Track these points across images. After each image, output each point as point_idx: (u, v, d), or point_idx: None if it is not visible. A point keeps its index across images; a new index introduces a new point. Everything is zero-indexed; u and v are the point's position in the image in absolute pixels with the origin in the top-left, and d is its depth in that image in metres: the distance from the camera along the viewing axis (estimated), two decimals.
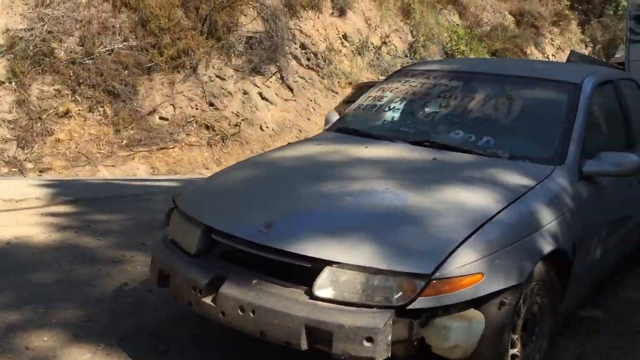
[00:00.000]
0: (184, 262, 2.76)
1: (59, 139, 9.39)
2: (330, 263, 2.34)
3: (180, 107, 10.01)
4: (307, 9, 10.51)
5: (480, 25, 12.39)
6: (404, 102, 3.81)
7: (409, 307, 2.25)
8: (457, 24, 11.86)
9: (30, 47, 9.47)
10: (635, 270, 4.54)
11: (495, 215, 2.54)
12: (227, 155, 9.97)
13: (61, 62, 9.58)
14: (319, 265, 2.36)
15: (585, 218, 3.04)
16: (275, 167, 3.34)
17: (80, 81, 9.59)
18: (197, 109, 10.05)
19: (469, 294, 2.31)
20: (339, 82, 10.29)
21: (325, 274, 2.35)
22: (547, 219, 2.73)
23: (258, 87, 10.25)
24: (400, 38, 11.33)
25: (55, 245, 4.59)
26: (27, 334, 3.31)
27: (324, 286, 2.34)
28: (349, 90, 10.57)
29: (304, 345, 2.30)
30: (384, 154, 3.27)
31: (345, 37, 10.72)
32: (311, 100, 10.36)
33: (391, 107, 3.84)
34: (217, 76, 10.21)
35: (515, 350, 2.62)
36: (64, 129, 9.48)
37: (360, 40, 10.66)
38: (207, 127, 10.06)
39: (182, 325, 3.41)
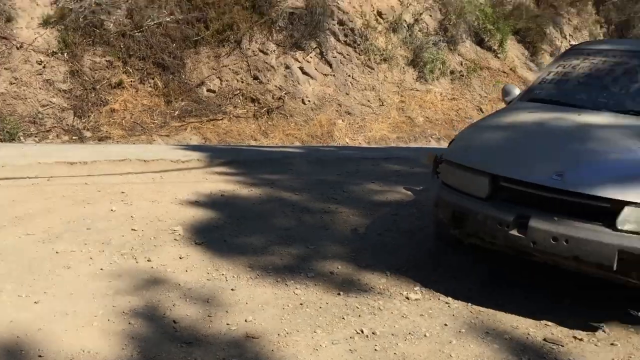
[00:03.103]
0: (479, 205, 3.39)
1: (114, 109, 9.46)
2: (628, 203, 3.01)
3: (227, 80, 10.27)
4: None
5: (503, 5, 13.28)
6: (592, 77, 4.39)
7: None
8: (482, 3, 12.68)
9: (80, 19, 9.43)
10: None
11: None
12: (273, 127, 10.34)
13: (111, 34, 9.60)
14: (618, 205, 3.02)
15: None
16: (523, 129, 3.92)
17: (131, 53, 9.69)
18: (242, 82, 10.34)
19: None
20: (374, 58, 10.88)
21: (626, 211, 3.01)
22: None
23: (299, 61, 10.66)
24: (431, 16, 12.03)
25: (265, 198, 5.07)
26: (319, 263, 3.91)
27: (626, 221, 3.01)
28: (384, 66, 11.20)
29: (614, 267, 2.97)
30: (600, 120, 3.84)
31: (379, 14, 11.29)
32: (349, 76, 10.90)
33: (580, 82, 4.41)
34: (261, 50, 10.52)
35: None
36: (117, 99, 9.55)
37: (394, 17, 11.27)
38: (252, 100, 10.38)
39: (436, 261, 4.07)
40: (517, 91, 4.79)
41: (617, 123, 3.81)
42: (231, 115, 10.19)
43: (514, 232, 3.21)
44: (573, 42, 14.47)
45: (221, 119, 10.07)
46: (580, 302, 3.56)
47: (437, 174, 3.97)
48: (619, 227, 3.02)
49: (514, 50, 13.20)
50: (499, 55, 12.65)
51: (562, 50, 14.37)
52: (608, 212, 3.06)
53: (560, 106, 4.18)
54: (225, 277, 3.61)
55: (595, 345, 3.15)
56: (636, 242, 2.98)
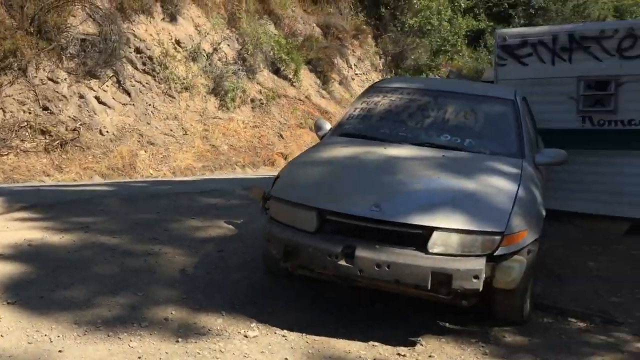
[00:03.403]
0: (309, 238, 3.60)
1: None
2: (436, 229, 3.44)
3: (11, 112, 9.37)
4: (138, 12, 10.70)
5: (295, 36, 13.91)
6: (392, 113, 4.83)
7: (494, 254, 3.42)
8: (276, 34, 13.19)
9: None
10: None
11: (517, 192, 3.70)
12: (68, 161, 9.66)
13: None
14: (428, 231, 3.44)
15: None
16: (339, 163, 4.18)
17: None
18: (30, 113, 9.52)
19: (521, 244, 3.51)
20: (175, 87, 10.78)
21: (435, 236, 3.43)
22: (538, 193, 4.13)
23: (94, 90, 10.14)
24: (229, 46, 12.19)
25: (81, 245, 4.75)
26: (151, 310, 3.80)
27: (435, 245, 3.43)
28: (186, 95, 11.12)
29: (429, 286, 3.37)
30: (404, 153, 4.24)
31: (178, 42, 11.17)
32: (149, 105, 10.63)
33: (382, 117, 4.83)
34: (50, 79, 9.79)
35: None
36: None
37: (192, 46, 11.25)
38: (42, 132, 9.59)
39: (268, 295, 4.20)
40: (328, 126, 5.02)
41: (417, 155, 4.24)
42: (18, 150, 9.29)
43: (343, 263, 3.42)
44: (358, 72, 15.85)
45: (6, 154, 9.14)
46: (402, 320, 3.93)
47: (266, 210, 4.06)
48: (430, 250, 3.40)
49: (307, 79, 14.02)
50: (294, 84, 13.34)
51: (350, 79, 15.65)
52: (421, 238, 3.43)
53: (368, 140, 4.52)
54: (50, 338, 3.32)
55: (416, 359, 3.50)
56: (444, 262, 3.39)
